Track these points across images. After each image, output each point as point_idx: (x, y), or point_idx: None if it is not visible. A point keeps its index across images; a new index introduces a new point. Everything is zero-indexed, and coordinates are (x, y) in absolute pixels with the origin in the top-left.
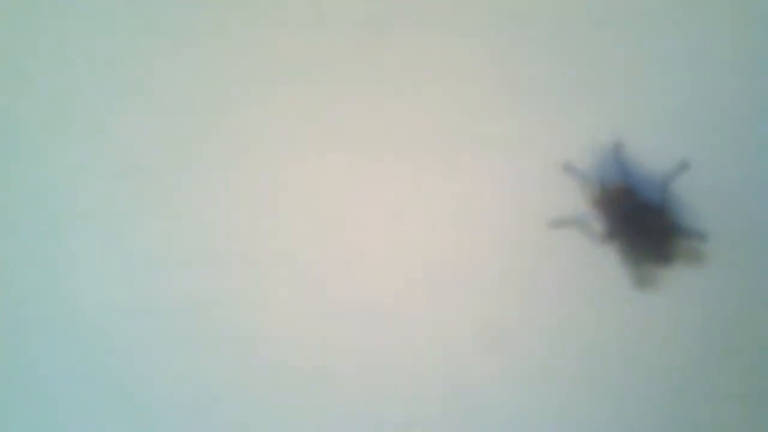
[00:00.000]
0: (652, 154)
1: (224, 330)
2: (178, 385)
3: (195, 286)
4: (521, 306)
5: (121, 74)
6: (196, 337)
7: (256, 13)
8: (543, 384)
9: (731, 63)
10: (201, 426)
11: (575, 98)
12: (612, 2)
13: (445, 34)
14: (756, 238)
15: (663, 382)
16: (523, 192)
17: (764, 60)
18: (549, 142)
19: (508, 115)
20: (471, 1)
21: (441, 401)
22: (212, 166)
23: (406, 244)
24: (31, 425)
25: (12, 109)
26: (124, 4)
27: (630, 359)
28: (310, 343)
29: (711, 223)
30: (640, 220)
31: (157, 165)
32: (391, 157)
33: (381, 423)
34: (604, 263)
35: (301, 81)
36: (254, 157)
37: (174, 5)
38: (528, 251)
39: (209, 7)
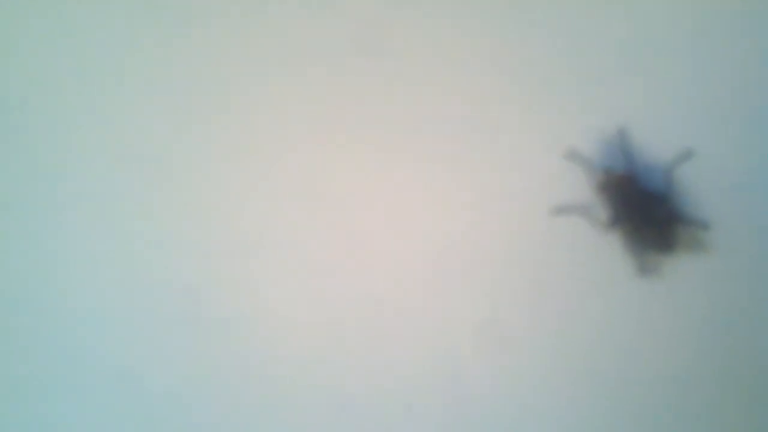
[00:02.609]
0: (655, 142)
1: (224, 318)
2: (176, 372)
3: (195, 274)
4: (525, 293)
5: (125, 67)
6: (195, 322)
7: (264, 10)
8: (546, 369)
9: (737, 53)
10: (199, 413)
11: (579, 86)
12: None
13: (450, 24)
14: (758, 226)
15: (665, 368)
16: (527, 179)
17: None
18: (553, 130)
19: (512, 103)
20: None
21: (441, 395)
22: (215, 156)
23: (410, 230)
24: (28, 409)
25: (14, 102)
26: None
27: (632, 346)
28: (311, 333)
29: (714, 211)
30: (643, 208)
31: (160, 154)
32: (396, 148)
33: (380, 416)
34: (607, 251)
35: (307, 73)
36: (258, 148)
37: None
38: (531, 238)
39: (216, 4)
